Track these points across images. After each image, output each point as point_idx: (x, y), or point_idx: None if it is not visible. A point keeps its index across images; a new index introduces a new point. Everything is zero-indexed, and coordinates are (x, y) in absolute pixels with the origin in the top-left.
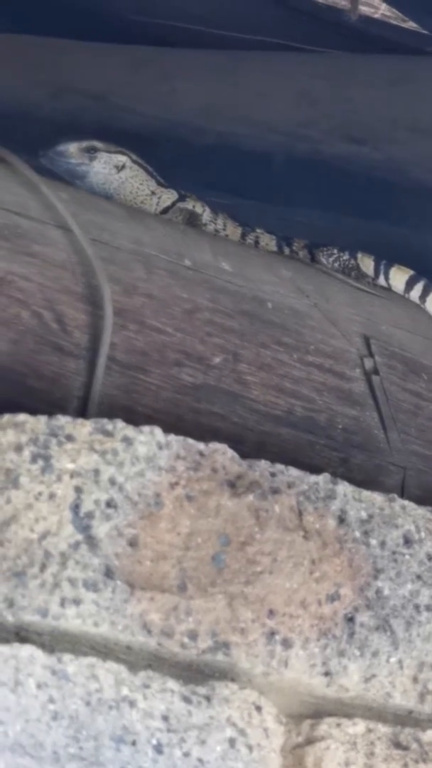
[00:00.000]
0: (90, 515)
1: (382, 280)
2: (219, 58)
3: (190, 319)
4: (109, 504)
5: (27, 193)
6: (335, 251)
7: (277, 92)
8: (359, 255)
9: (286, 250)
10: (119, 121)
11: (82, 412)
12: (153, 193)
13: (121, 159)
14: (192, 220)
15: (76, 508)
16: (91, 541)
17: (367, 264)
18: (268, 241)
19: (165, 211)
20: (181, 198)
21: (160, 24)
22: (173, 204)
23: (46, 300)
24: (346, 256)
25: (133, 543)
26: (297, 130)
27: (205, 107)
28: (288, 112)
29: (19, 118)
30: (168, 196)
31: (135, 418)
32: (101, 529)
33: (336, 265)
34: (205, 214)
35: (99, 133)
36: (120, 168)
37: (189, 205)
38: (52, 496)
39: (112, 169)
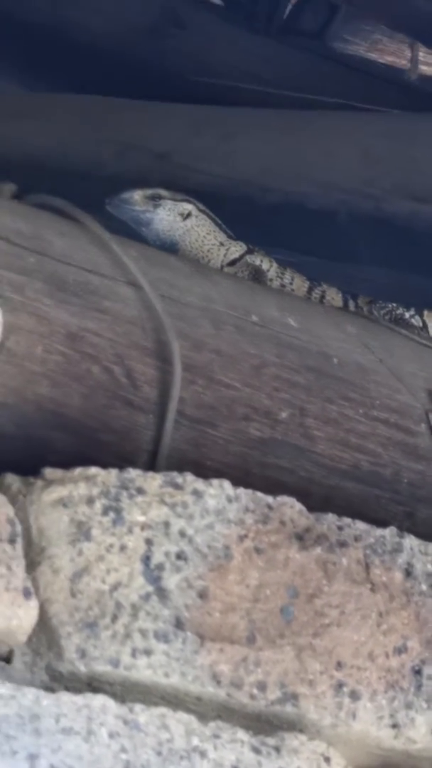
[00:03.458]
0: (160, 567)
1: None
2: (281, 118)
3: (257, 375)
4: (179, 556)
5: (98, 251)
6: (388, 305)
7: (339, 151)
8: (426, 312)
9: (352, 305)
10: (183, 180)
11: (151, 465)
12: (221, 244)
13: (187, 207)
14: (257, 277)
15: (146, 559)
16: (162, 593)
17: None
18: (334, 296)
19: (233, 263)
20: (249, 251)
21: (221, 84)
22: (241, 257)
23: (117, 355)
24: (400, 311)
25: (202, 595)
26: (360, 188)
27: (268, 166)
28: (351, 171)
29: (85, 176)
30: (236, 249)
31: (204, 472)
32: (171, 581)
33: (387, 318)
34: (272, 269)
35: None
36: (185, 216)
37: (257, 259)
38: (123, 548)
39: (177, 216)
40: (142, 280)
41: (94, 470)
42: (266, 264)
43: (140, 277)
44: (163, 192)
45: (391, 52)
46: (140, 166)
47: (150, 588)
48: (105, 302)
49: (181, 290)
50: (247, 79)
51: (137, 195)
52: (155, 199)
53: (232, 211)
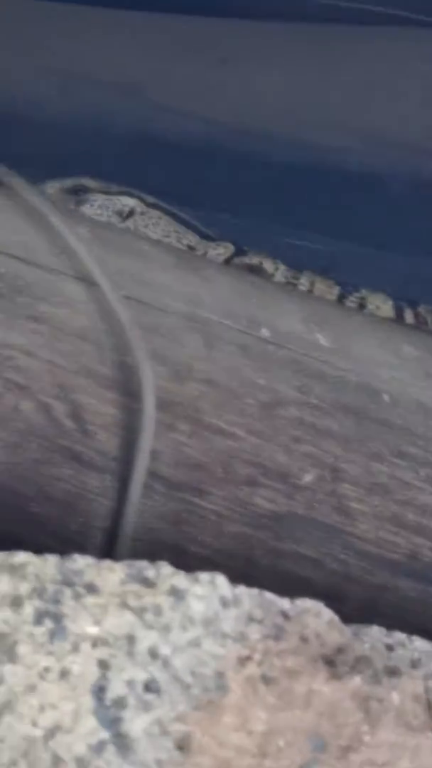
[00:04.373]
0: (120, 703)
1: None
2: (306, 37)
3: (268, 417)
4: (149, 687)
5: (32, 230)
6: None
7: (392, 88)
8: None
9: (409, 315)
10: (158, 126)
11: (109, 551)
12: (191, 248)
13: (127, 202)
14: None
15: (99, 691)
16: (122, 742)
17: None
18: (381, 304)
19: None
20: (240, 252)
21: None
22: (227, 261)
23: (58, 386)
24: None
25: (183, 745)
26: (421, 143)
27: (285, 108)
28: (408, 118)
29: (14, 120)
30: (218, 252)
31: (188, 561)
32: (137, 724)
33: None
34: (280, 272)
35: (128, 145)
36: (126, 215)
37: (254, 260)
38: (64, 673)
39: (112, 216)
40: (97, 274)
41: (22, 557)
42: (269, 266)
43: (95, 268)
44: (90, 182)
45: None
46: (96, 105)
47: (105, 734)
48: (42, 306)
49: (156, 290)
50: None
51: (51, 188)
52: (79, 193)
53: (228, 174)
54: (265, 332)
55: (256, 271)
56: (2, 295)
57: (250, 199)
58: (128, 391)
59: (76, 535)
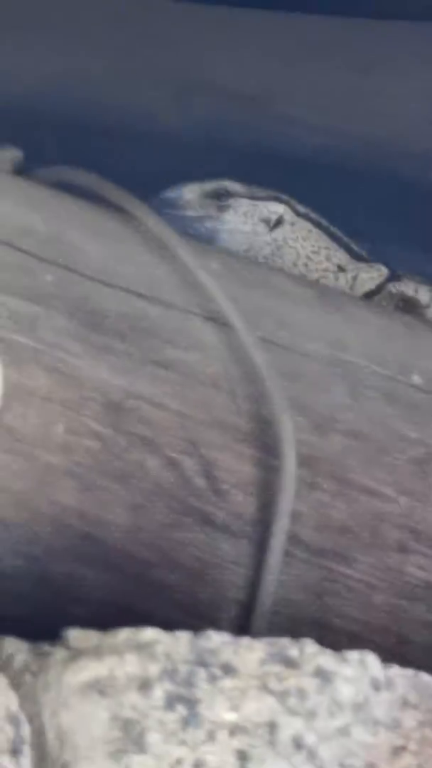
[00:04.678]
0: None
1: None
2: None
3: (421, 474)
4: None
5: (158, 263)
6: None
7: None
8: None
9: None
10: (286, 141)
11: (244, 625)
12: (340, 268)
13: (276, 209)
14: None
15: None
16: None
17: None
18: None
19: (366, 297)
20: (394, 277)
21: None
22: (380, 287)
23: (188, 440)
24: None
25: None
26: None
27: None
28: None
29: (123, 133)
30: (370, 275)
31: (332, 638)
32: None
33: None
34: None
35: (250, 162)
36: (273, 224)
37: (408, 287)
38: (199, 765)
39: (258, 225)
40: (231, 313)
41: (150, 633)
42: (424, 295)
43: (228, 307)
44: (233, 186)
45: None
46: (214, 117)
47: None
48: (169, 350)
49: (295, 331)
50: None
51: (190, 192)
52: (221, 198)
53: (371, 195)
54: (416, 379)
55: (408, 301)
56: (125, 338)
57: (391, 221)
58: (265, 445)
59: (207, 608)
